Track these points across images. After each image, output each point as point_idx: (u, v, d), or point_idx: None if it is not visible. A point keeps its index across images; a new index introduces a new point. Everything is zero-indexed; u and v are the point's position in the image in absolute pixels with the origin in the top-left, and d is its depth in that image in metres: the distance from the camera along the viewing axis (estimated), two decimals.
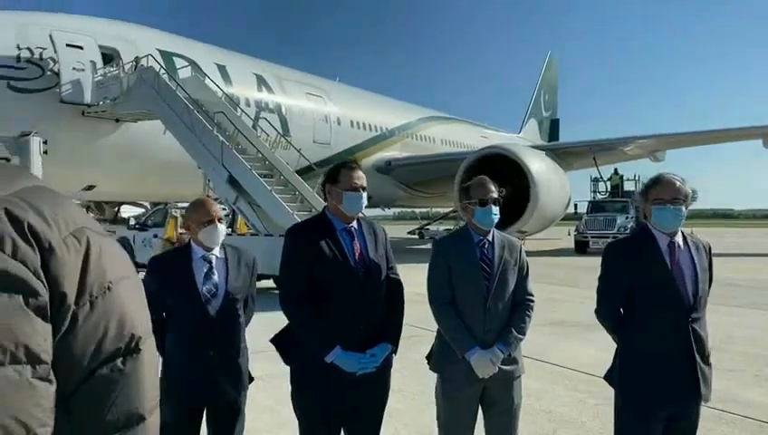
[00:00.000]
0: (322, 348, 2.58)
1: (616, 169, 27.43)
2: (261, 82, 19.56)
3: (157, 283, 2.78)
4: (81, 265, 0.84)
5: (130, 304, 0.89)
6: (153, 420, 0.89)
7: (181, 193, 17.79)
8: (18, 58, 13.86)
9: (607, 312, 2.74)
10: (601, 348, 4.14)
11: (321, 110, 21.63)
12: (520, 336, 2.79)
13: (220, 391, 2.74)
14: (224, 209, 13.69)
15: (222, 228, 2.79)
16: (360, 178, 2.73)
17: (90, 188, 16.44)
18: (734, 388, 5.16)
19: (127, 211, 22.52)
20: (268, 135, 15.73)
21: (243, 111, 16.03)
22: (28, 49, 14.04)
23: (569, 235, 28.01)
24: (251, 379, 2.91)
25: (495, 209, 2.83)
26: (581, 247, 22.53)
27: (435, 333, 2.93)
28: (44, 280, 0.79)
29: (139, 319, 0.90)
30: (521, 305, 2.83)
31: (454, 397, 2.80)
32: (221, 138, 12.16)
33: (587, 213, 24.06)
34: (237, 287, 2.79)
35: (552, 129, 47.43)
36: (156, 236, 13.03)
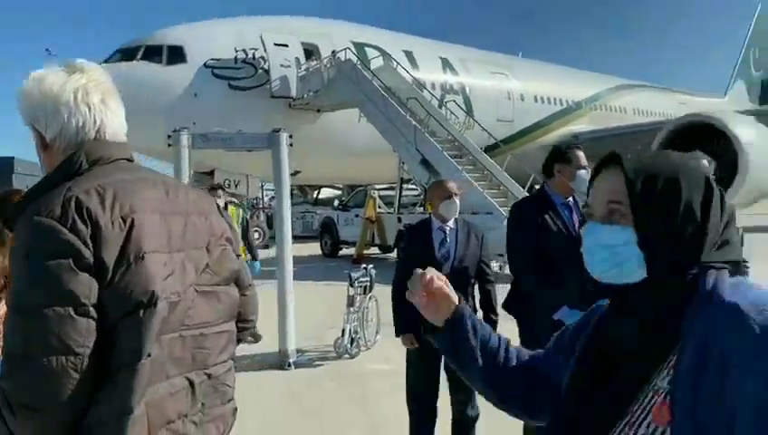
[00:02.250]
0: (549, 307, 2.93)
1: None
2: (446, 64, 20.02)
3: (404, 249, 3.41)
4: (123, 239, 1.19)
5: (157, 271, 1.22)
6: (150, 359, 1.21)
7: (375, 176, 18.98)
8: (236, 60, 15.73)
9: None
10: None
11: (503, 87, 21.56)
12: None
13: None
14: (416, 189, 14.47)
15: (458, 202, 3.26)
16: (585, 157, 3.14)
17: (296, 173, 18.13)
18: None
19: (325, 193, 24.47)
20: (457, 117, 16.17)
21: (431, 93, 16.63)
22: (243, 51, 15.85)
23: None
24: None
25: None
26: None
27: None
28: (91, 248, 1.16)
29: (162, 283, 1.23)
30: None
31: None
32: (414, 122, 12.82)
33: None
34: (466, 255, 3.26)
35: (765, 91, 42.16)
36: (357, 215, 14.14)
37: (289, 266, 5.37)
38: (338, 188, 24.87)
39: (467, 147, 12.99)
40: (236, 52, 15.85)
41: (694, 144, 18.60)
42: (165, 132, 6.06)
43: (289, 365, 5.28)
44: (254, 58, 15.91)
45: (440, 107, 16.88)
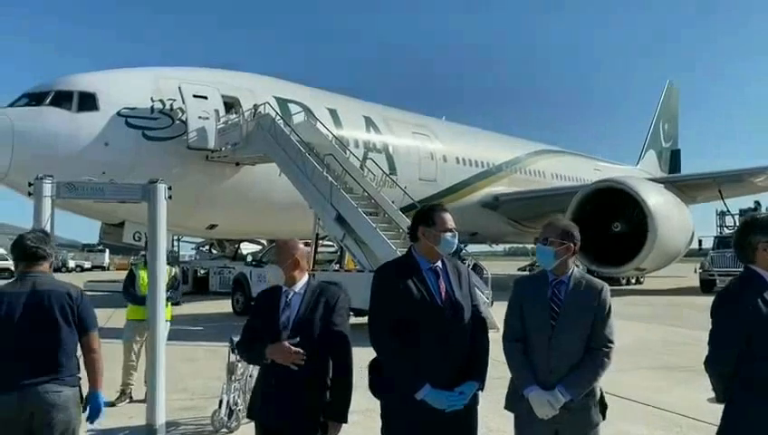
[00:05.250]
0: (412, 385, 2.66)
1: (758, 202, 25.28)
2: (369, 123, 20.21)
3: (253, 313, 3.11)
4: None
5: None
6: None
7: (295, 231, 18.60)
8: (152, 109, 15.28)
9: (721, 364, 2.56)
10: None
11: (426, 147, 21.91)
12: (587, 382, 2.69)
13: (284, 415, 2.83)
14: (331, 246, 14.22)
15: (272, 268, 3.04)
16: (452, 220, 2.90)
17: (212, 226, 17.62)
18: None
19: (246, 248, 23.81)
20: (374, 175, 16.14)
21: (351, 152, 16.61)
22: (160, 101, 15.44)
23: (695, 272, 26.25)
24: (334, 416, 2.89)
25: (549, 249, 2.81)
26: (707, 286, 21.00)
27: None
28: None
29: None
30: (595, 350, 2.73)
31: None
32: (330, 178, 12.66)
33: (713, 249, 22.45)
34: (308, 321, 2.89)
35: (673, 160, 44.84)
36: None
37: (162, 328, 4.90)
38: (259, 243, 24.28)
39: (382, 204, 12.89)
40: (153, 101, 15.44)
41: (607, 208, 19.26)
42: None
43: None
44: (171, 109, 15.53)
45: (361, 166, 16.87)
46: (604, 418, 2.79)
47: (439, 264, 2.88)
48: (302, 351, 2.80)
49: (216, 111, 15.86)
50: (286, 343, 2.80)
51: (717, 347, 2.55)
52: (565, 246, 2.82)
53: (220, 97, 16.16)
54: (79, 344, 3.07)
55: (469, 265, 12.65)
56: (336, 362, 2.92)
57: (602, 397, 2.80)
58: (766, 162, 22.86)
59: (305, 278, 3.03)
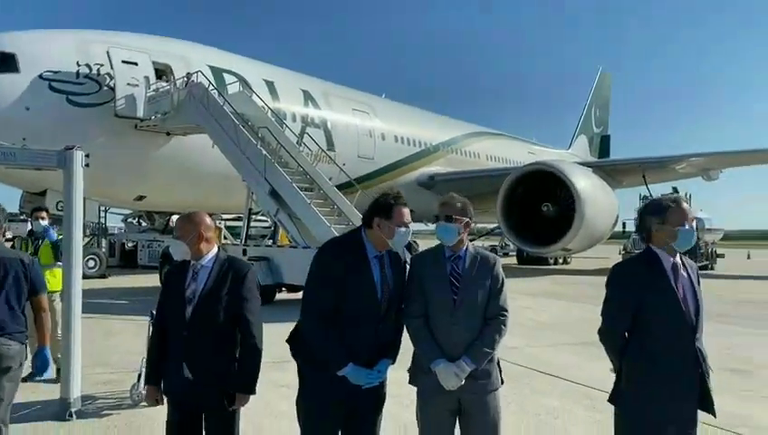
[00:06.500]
0: (337, 364, 2.72)
1: (675, 188, 26.55)
2: (307, 97, 19.94)
3: (162, 288, 3.09)
4: None
5: None
6: None
7: (227, 205, 18.28)
8: (77, 74, 14.58)
9: (612, 334, 2.82)
10: None
11: (365, 125, 21.84)
12: (488, 350, 2.78)
13: (193, 388, 2.83)
14: (265, 221, 14.05)
15: (174, 242, 2.98)
16: (409, 214, 2.89)
17: (141, 198, 17.07)
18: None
19: None
20: (311, 150, 15.99)
21: (287, 126, 16.38)
22: (87, 65, 14.75)
23: (619, 254, 27.44)
24: (242, 388, 2.88)
25: (453, 226, 2.87)
26: None
27: None
28: None
29: None
30: (492, 320, 2.82)
31: (427, 408, 2.86)
32: (264, 152, 12.46)
33: (635, 232, 23.50)
34: (214, 295, 2.85)
35: (603, 145, 46.39)
36: None
37: (77, 297, 4.73)
38: None
39: (318, 180, 12.81)
40: (79, 66, 14.74)
41: (537, 190, 19.74)
42: None
43: (70, 416, 4.62)
44: (98, 74, 14.87)
45: (299, 141, 16.66)
46: (502, 382, 2.91)
47: (384, 252, 2.89)
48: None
49: (147, 79, 15.30)
50: (155, 397, 2.94)
51: (608, 317, 2.76)
52: (465, 222, 2.90)
53: (151, 64, 15.58)
54: (30, 305, 3.43)
55: None
56: (244, 335, 2.89)
57: (498, 363, 2.91)
58: (688, 150, 24.00)
59: (214, 251, 2.97)
